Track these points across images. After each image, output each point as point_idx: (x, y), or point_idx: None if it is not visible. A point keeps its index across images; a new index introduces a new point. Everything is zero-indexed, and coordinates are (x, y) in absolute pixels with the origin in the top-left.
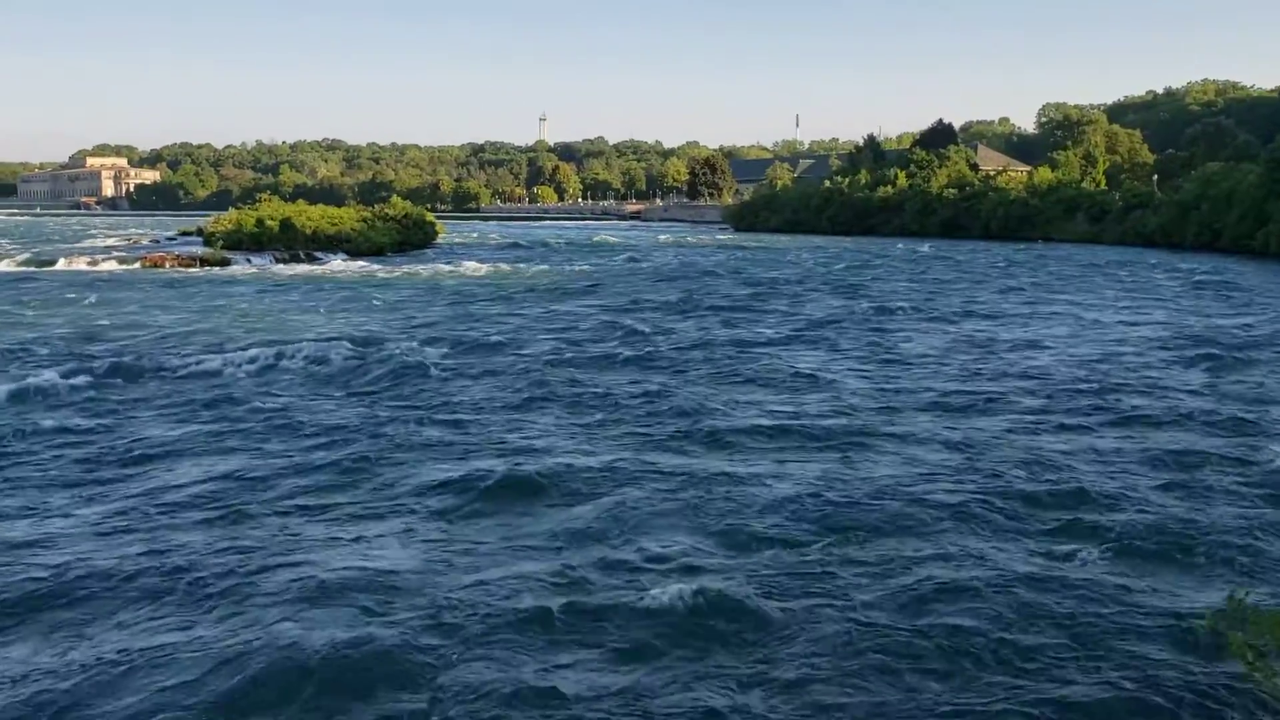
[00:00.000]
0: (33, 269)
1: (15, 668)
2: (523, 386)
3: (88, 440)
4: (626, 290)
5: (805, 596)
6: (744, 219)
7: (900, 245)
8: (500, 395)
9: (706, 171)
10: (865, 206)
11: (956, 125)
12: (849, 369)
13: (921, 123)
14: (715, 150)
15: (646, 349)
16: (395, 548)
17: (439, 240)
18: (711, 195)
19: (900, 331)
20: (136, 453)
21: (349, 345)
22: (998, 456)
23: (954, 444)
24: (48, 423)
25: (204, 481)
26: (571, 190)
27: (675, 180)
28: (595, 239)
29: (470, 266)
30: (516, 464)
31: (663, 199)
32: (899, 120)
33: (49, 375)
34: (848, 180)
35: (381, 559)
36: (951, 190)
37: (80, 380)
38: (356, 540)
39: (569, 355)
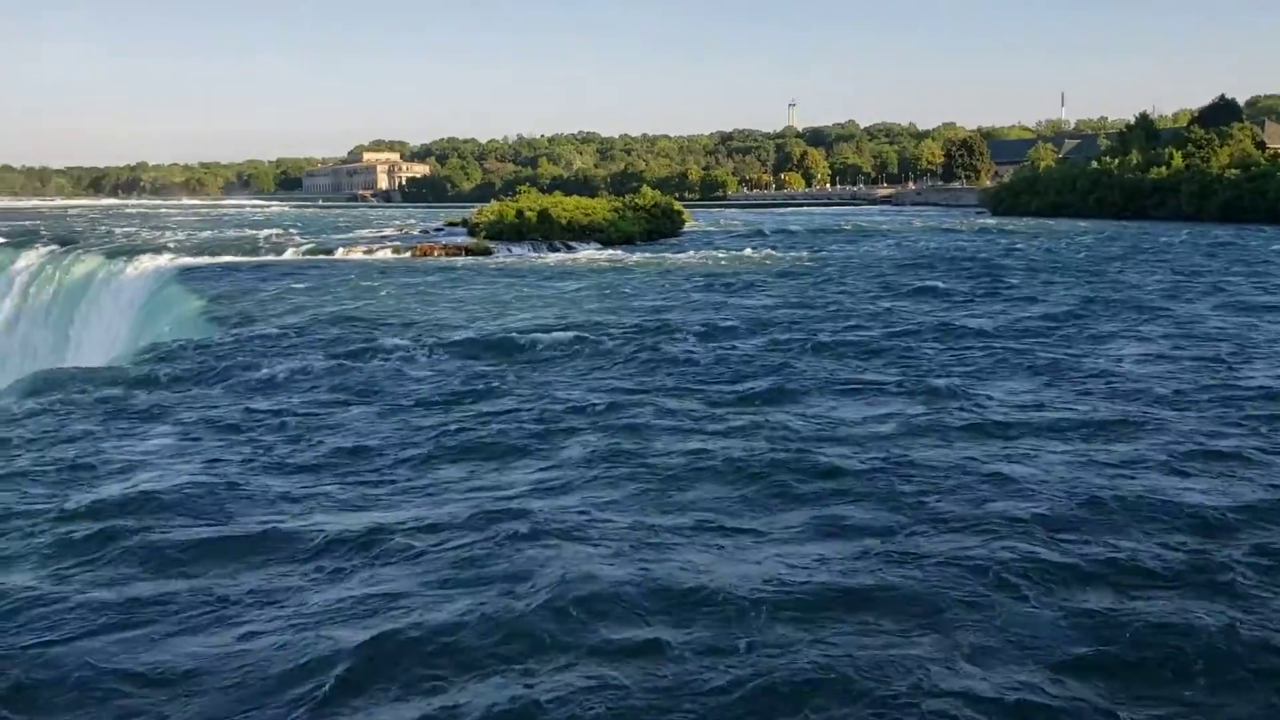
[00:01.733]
0: (315, 258)
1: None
2: (776, 373)
3: (355, 419)
4: (879, 275)
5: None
6: (1002, 202)
7: (1185, 232)
8: (759, 379)
9: (963, 153)
10: (1136, 188)
11: (1241, 100)
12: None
13: (1199, 99)
14: (973, 131)
15: (908, 338)
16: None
17: (686, 228)
18: (968, 178)
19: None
20: (403, 431)
21: (600, 331)
22: None
23: None
24: (318, 398)
25: (477, 459)
26: (820, 176)
27: (929, 163)
28: (844, 224)
29: (715, 254)
30: (780, 447)
31: (915, 182)
32: (1175, 97)
33: (317, 356)
34: (1117, 161)
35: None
36: (1234, 170)
37: (345, 361)
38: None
39: (821, 341)
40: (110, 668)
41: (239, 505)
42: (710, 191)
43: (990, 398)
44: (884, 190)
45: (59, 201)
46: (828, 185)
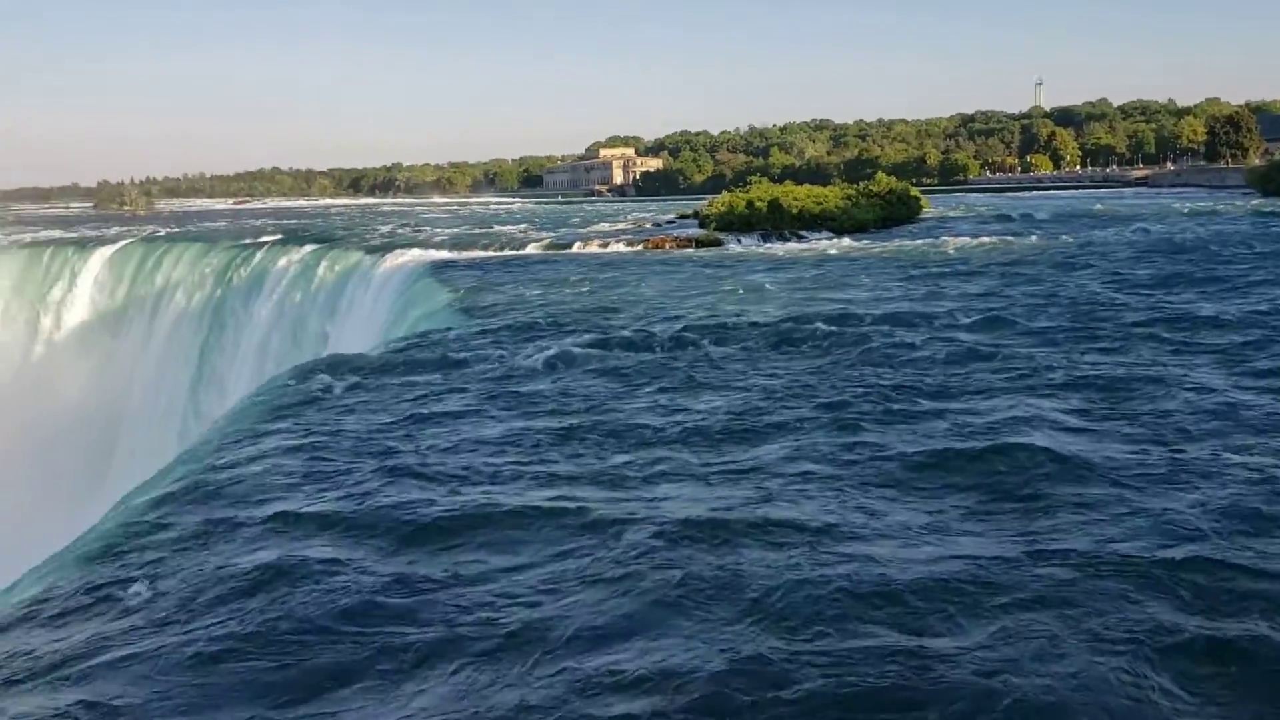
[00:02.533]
0: (554, 252)
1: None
2: (1007, 368)
3: (593, 402)
4: (1132, 262)
5: None
6: (1272, 181)
7: None
8: (986, 376)
9: (1228, 130)
10: None
11: None
12: None
13: None
14: (1240, 106)
15: (1174, 330)
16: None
17: (923, 215)
18: (1234, 156)
19: None
20: (634, 415)
21: (826, 322)
22: None
23: None
24: (559, 385)
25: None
26: (1069, 157)
27: (1190, 141)
28: (1095, 209)
29: (953, 241)
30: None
31: (1174, 162)
32: None
33: (558, 345)
34: None
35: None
36: None
37: (583, 349)
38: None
39: (1068, 338)
40: (396, 627)
41: (489, 480)
42: (950, 176)
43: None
44: (1139, 171)
45: (322, 201)
46: (1077, 167)
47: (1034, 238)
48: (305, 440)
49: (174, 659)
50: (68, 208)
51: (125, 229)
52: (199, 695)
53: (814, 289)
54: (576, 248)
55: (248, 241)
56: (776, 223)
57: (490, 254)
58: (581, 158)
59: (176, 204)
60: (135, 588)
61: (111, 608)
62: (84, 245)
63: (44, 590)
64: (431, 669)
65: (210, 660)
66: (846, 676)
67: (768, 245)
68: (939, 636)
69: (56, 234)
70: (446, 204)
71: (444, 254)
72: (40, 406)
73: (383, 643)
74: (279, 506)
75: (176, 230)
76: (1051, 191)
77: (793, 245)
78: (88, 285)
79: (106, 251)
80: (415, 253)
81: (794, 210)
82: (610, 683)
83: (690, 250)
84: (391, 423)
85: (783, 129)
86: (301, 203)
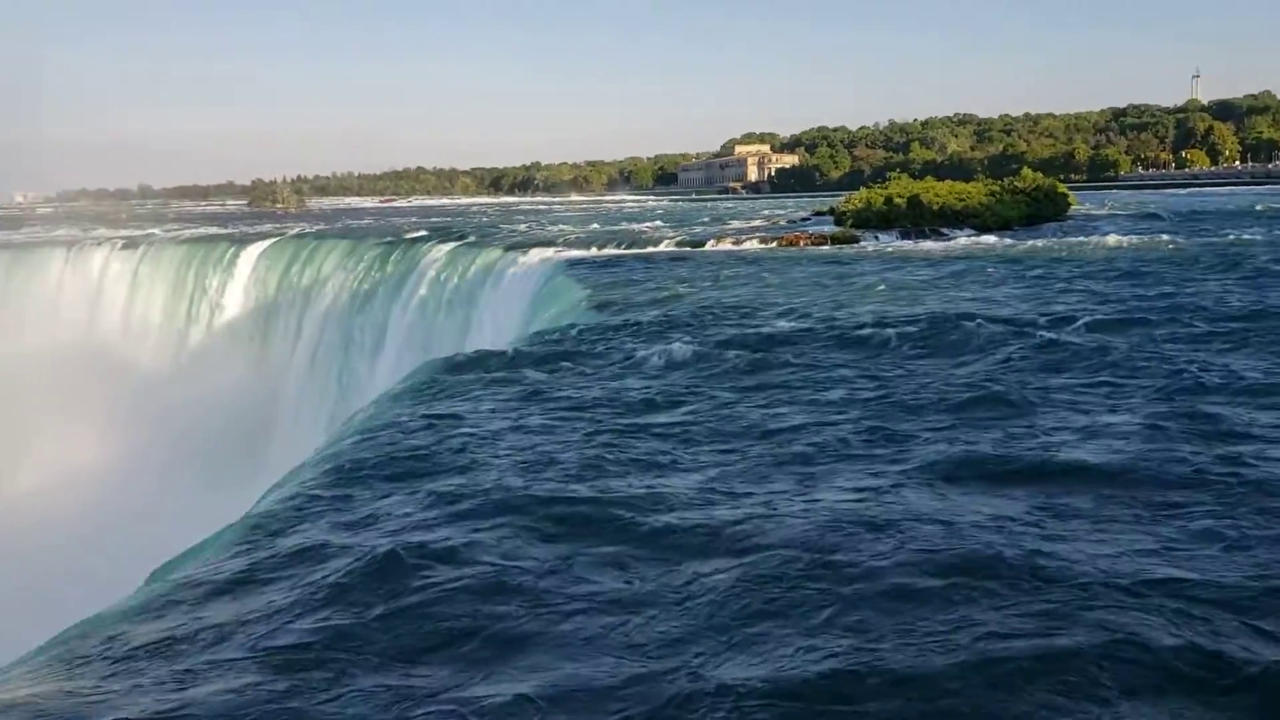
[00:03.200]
0: (686, 249)
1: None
2: (1164, 374)
3: (719, 402)
4: None
5: None
6: None
7: None
8: (1154, 380)
9: None
10: None
11: None
12: None
13: None
14: None
15: None
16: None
17: (1071, 213)
18: None
19: None
20: (768, 415)
21: (968, 320)
22: None
23: None
24: (687, 382)
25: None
26: (1228, 152)
27: None
28: (1258, 207)
29: (1101, 240)
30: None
31: None
32: None
33: (691, 342)
34: None
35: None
36: None
37: (715, 348)
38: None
39: (1227, 346)
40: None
41: (612, 477)
42: (1100, 172)
43: None
44: None
45: (463, 200)
46: (1236, 163)
47: (1188, 238)
48: (446, 429)
49: (323, 634)
50: (224, 205)
51: (277, 226)
52: (349, 668)
53: (954, 288)
54: (709, 245)
55: (391, 239)
56: (916, 219)
57: (623, 251)
58: (716, 155)
59: (326, 202)
60: (285, 568)
61: (262, 585)
62: (239, 241)
63: (202, 568)
64: (571, 659)
65: (356, 636)
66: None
67: (906, 242)
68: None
69: (214, 230)
70: (581, 202)
71: (578, 252)
72: (200, 391)
73: (516, 628)
74: (421, 490)
75: (326, 227)
76: (1208, 188)
77: (932, 243)
78: (243, 278)
79: (260, 247)
80: (550, 250)
81: (935, 207)
82: (761, 689)
83: (825, 247)
84: (529, 414)
85: (924, 124)
86: (444, 201)
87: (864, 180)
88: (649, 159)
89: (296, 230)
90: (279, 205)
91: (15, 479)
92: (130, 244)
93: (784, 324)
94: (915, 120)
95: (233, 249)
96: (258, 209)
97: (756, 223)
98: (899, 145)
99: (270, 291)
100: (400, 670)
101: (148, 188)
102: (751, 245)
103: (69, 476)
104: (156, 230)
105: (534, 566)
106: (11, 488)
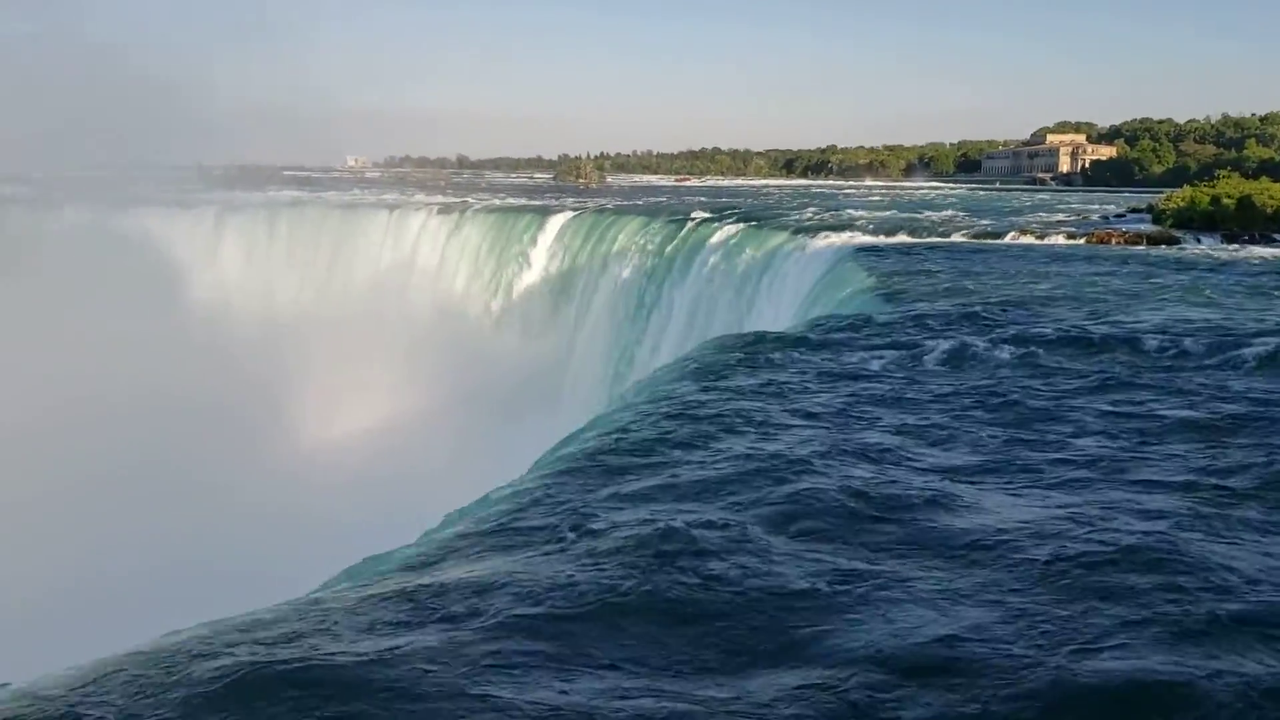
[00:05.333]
0: (984, 241)
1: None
2: None
3: (1010, 401)
4: None
5: None
6: None
7: None
8: None
9: None
10: None
11: None
12: None
13: None
14: None
15: None
16: None
17: None
18: None
19: None
20: (1059, 418)
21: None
22: None
23: None
24: (974, 380)
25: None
26: None
27: None
28: None
29: None
30: None
31: None
32: None
33: (979, 339)
34: None
35: None
36: None
37: (1004, 345)
38: None
39: None
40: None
41: (884, 472)
42: None
43: None
44: None
45: (756, 182)
46: None
47: None
48: (721, 406)
49: (593, 592)
50: (531, 177)
51: (578, 200)
52: (590, 645)
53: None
54: (1009, 238)
55: (681, 217)
56: (1246, 222)
57: (915, 240)
58: (1025, 143)
59: (624, 179)
60: (552, 530)
61: (532, 542)
62: (543, 212)
63: (461, 531)
64: (835, 659)
65: (626, 607)
66: None
67: (1233, 246)
68: None
69: (522, 201)
70: (876, 187)
71: (867, 238)
72: (500, 353)
73: (769, 622)
74: (690, 469)
75: (623, 203)
76: None
77: (1264, 249)
78: (545, 247)
79: (562, 219)
80: (838, 236)
81: (1269, 209)
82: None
83: (1140, 247)
84: (805, 399)
85: (1263, 119)
86: (737, 181)
87: (1189, 177)
88: (951, 145)
89: (597, 204)
90: (580, 180)
91: (333, 421)
92: (445, 209)
93: (1089, 325)
94: (1253, 115)
95: (537, 220)
96: (561, 183)
97: (1063, 216)
98: (1232, 141)
99: (569, 261)
100: (660, 654)
101: (465, 158)
102: (1057, 240)
103: (375, 423)
104: (470, 199)
105: (820, 556)
106: (329, 430)
